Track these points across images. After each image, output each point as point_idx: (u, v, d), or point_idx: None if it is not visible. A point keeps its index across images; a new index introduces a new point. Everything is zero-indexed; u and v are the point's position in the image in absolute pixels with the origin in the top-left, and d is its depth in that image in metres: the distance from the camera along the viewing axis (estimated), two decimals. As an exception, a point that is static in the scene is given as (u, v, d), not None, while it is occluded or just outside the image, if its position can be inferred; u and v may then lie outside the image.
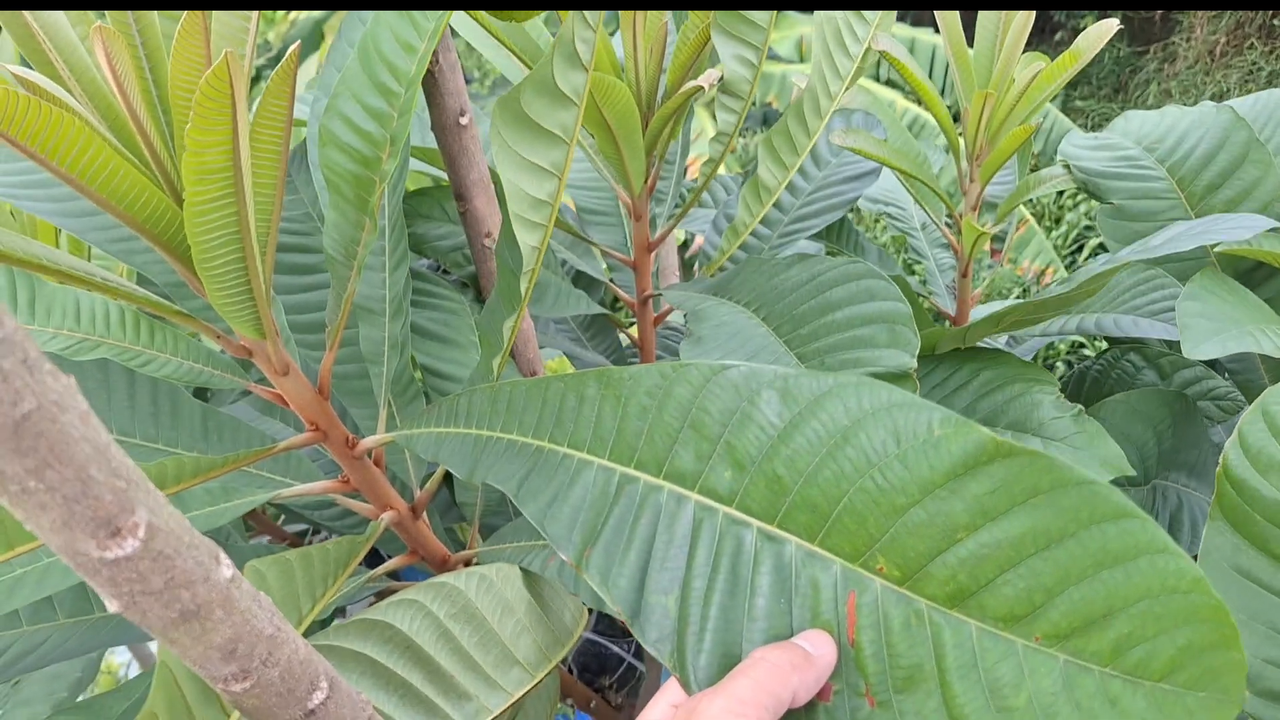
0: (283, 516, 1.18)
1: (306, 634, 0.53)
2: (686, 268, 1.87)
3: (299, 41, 0.46)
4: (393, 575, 0.72)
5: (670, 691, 0.40)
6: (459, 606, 0.56)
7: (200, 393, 1.03)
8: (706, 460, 0.41)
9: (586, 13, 0.52)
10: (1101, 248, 3.79)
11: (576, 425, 0.46)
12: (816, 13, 0.89)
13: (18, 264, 0.45)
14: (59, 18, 0.47)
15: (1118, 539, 0.34)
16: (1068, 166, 0.97)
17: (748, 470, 0.40)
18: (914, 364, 0.58)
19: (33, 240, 0.47)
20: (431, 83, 0.69)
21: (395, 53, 0.57)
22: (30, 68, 0.47)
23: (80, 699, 0.75)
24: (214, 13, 0.47)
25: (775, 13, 0.80)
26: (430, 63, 0.69)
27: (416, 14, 0.59)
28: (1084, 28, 5.02)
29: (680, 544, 0.40)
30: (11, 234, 0.46)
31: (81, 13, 0.48)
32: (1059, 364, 2.94)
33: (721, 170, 2.77)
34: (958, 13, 0.99)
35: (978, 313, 1.12)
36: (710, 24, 0.77)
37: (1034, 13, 0.97)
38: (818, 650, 0.36)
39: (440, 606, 0.55)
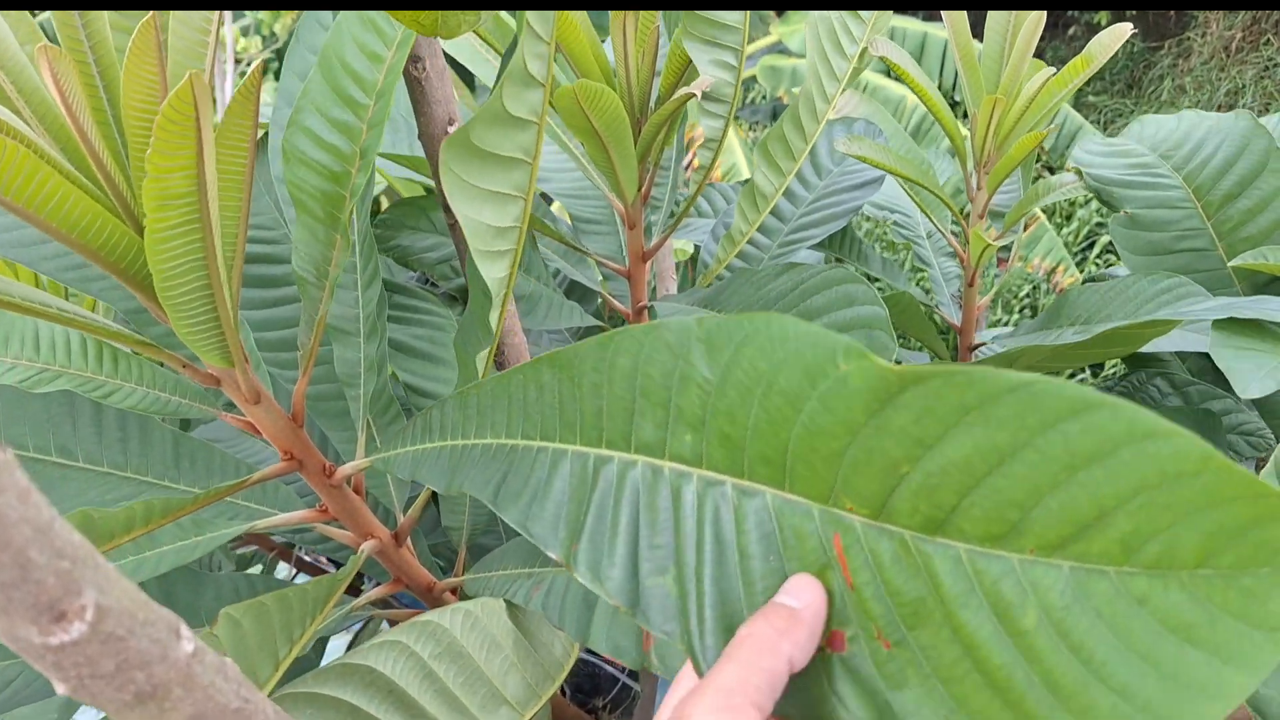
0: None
1: (285, 676, 0.51)
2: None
3: (261, 60, 0.44)
4: (393, 597, 0.69)
5: (676, 695, 0.37)
6: (444, 645, 0.53)
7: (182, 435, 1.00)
8: (666, 427, 0.38)
9: (537, 21, 0.49)
10: (1113, 244, 3.78)
11: (542, 415, 0.43)
12: (810, 13, 0.86)
13: (-33, 297, 0.43)
14: (3, 33, 0.44)
15: (1083, 436, 0.29)
16: (1080, 173, 0.95)
17: (703, 431, 0.37)
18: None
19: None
20: (419, 91, 0.66)
21: (360, 62, 0.54)
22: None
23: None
24: (170, 26, 0.44)
25: (747, 14, 0.77)
26: (416, 69, 0.67)
27: (380, 19, 0.56)
28: (1099, 23, 4.98)
29: (666, 517, 0.38)
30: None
31: (30, 30, 0.46)
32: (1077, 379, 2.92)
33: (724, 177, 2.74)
34: (965, 14, 0.96)
35: (985, 335, 1.10)
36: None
37: (1044, 14, 0.94)
38: (803, 600, 0.33)
39: (424, 647, 0.52)
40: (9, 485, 0.23)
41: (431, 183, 0.93)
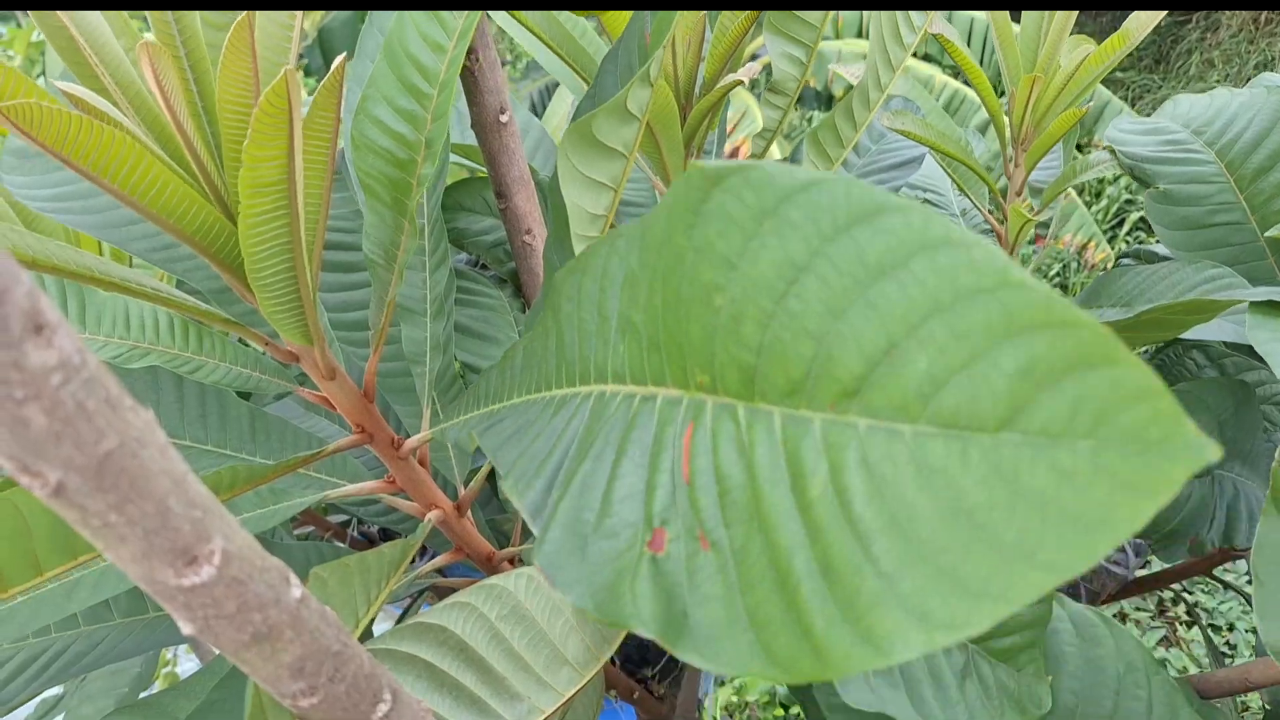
0: (325, 506, 1.19)
1: (362, 636, 0.54)
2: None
3: (344, 55, 0.47)
4: (440, 572, 0.72)
5: None
6: (509, 608, 0.56)
7: (243, 394, 1.04)
8: (607, 341, 0.36)
9: (666, 28, 0.51)
10: (1143, 222, 3.74)
11: (545, 360, 0.43)
12: (876, 12, 0.88)
13: (71, 276, 0.46)
14: (104, 31, 0.47)
15: (873, 242, 0.24)
16: (1113, 151, 0.96)
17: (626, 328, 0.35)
18: None
19: (83, 251, 0.47)
20: (471, 80, 0.69)
21: (423, 52, 0.56)
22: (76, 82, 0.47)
23: (143, 695, 0.76)
24: (258, 22, 0.47)
25: (826, 15, 0.79)
26: (469, 60, 0.69)
27: (444, 13, 0.59)
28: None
29: (570, 432, 0.37)
30: (63, 246, 0.47)
31: (125, 25, 0.49)
32: None
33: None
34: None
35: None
36: (749, 18, 0.77)
37: (1076, -6, 0.95)
38: None
39: (491, 608, 0.55)
40: (151, 441, 0.26)
41: (480, 169, 0.96)
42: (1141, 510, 0.19)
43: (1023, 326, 0.21)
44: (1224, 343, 0.95)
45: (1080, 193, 3.84)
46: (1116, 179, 3.75)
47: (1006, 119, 0.98)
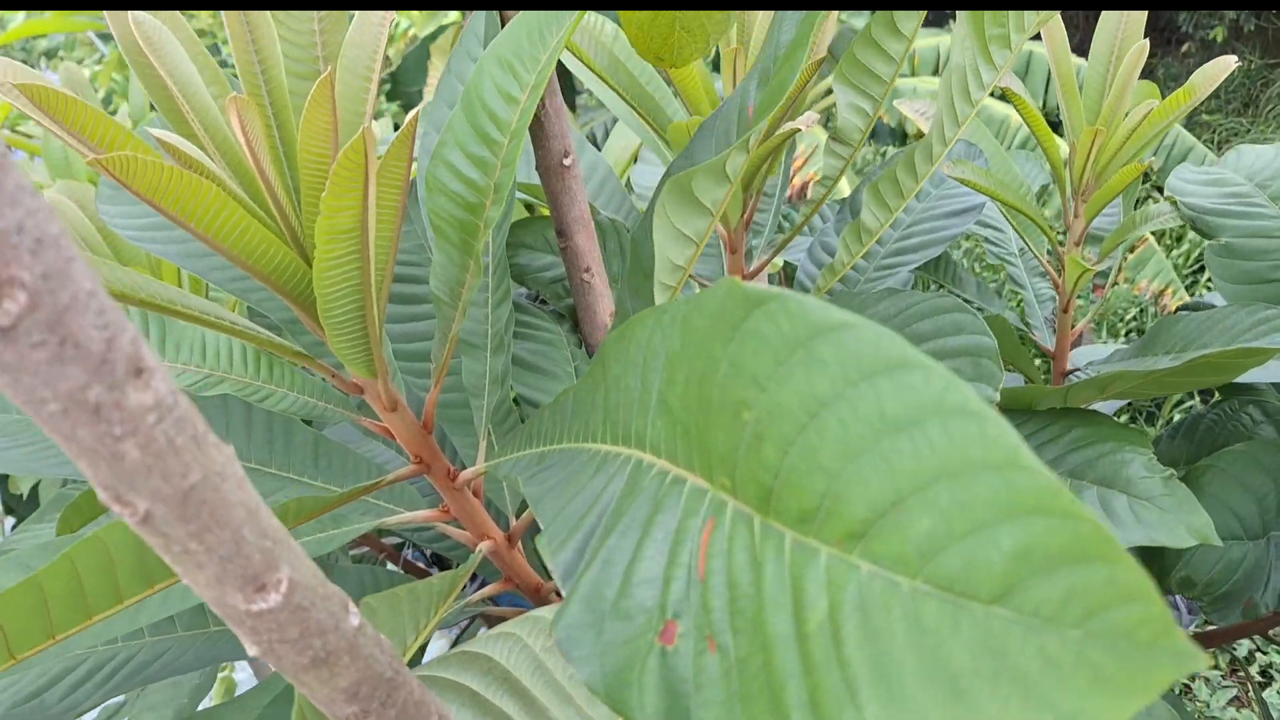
0: (381, 530, 1.22)
1: (411, 662, 0.56)
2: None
3: (418, 108, 0.49)
4: (491, 600, 0.74)
5: None
6: (553, 641, 0.58)
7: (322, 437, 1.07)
8: (645, 418, 0.37)
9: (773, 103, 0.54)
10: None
11: (591, 412, 0.44)
12: (949, 60, 0.90)
13: (156, 309, 0.49)
14: (195, 79, 0.50)
15: (893, 396, 0.25)
16: (1174, 203, 0.96)
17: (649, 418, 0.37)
18: (996, 397, 0.58)
19: (166, 284, 0.50)
20: (537, 126, 0.72)
21: (496, 102, 0.59)
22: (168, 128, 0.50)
23: (201, 707, 0.79)
24: (339, 75, 0.50)
25: (898, 67, 0.81)
26: (539, 108, 0.72)
27: (517, 64, 0.61)
28: (1214, 39, 4.83)
29: (608, 496, 0.39)
30: (150, 280, 0.50)
31: (215, 74, 0.52)
32: (1177, 414, 2.85)
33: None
34: (1064, 36, 0.98)
35: (1078, 355, 1.11)
36: (813, 66, 0.78)
37: (1147, 43, 0.96)
38: None
39: (536, 640, 0.57)
40: (231, 474, 0.28)
41: (541, 206, 0.99)
42: (1119, 708, 0.19)
43: (1025, 509, 0.22)
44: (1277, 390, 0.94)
45: (1161, 237, 3.78)
46: (1199, 225, 3.68)
47: (1067, 171, 0.98)
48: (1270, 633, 1.04)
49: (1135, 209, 1.05)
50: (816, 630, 0.25)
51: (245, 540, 0.29)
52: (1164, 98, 0.95)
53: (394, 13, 0.52)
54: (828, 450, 0.26)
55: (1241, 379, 0.86)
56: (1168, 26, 5.24)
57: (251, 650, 0.33)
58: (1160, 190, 3.85)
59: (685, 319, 0.35)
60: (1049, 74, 3.88)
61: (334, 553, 0.86)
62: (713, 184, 0.55)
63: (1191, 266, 3.68)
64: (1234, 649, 2.37)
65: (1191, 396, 2.79)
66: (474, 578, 1.10)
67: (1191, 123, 4.97)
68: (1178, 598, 1.41)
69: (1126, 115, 0.95)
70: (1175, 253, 3.67)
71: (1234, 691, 2.31)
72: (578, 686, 0.58)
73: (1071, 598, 0.21)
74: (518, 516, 0.73)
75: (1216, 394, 1.03)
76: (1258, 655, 2.35)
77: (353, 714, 0.36)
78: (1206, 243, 0.94)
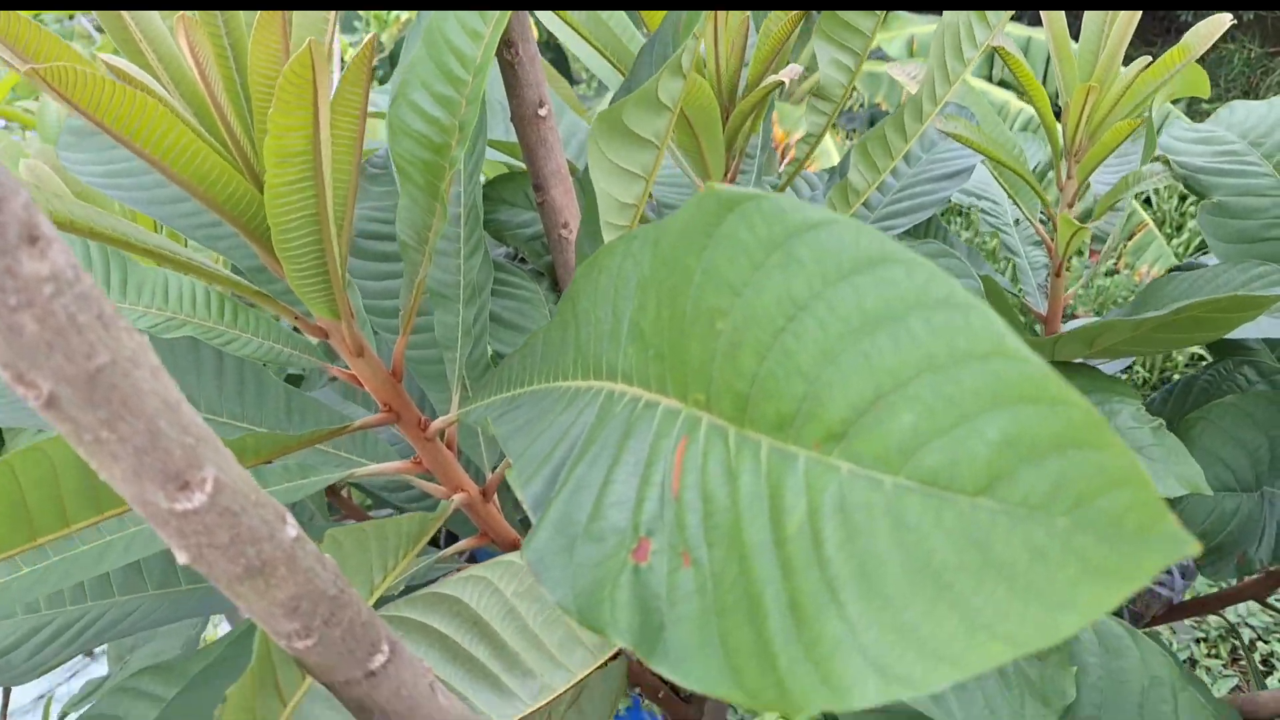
0: (369, 502, 1.21)
1: (377, 605, 0.55)
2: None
3: (374, 32, 0.48)
4: (467, 557, 0.73)
5: None
6: (526, 585, 0.57)
7: (294, 380, 1.06)
8: (617, 345, 0.37)
9: (688, 19, 0.52)
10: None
11: (561, 350, 0.44)
12: (943, 16, 0.88)
13: (110, 241, 0.48)
14: (151, 16, 0.49)
15: (873, 292, 0.25)
16: (1167, 162, 0.94)
17: (639, 344, 0.35)
18: None
19: (124, 219, 0.49)
20: (511, 75, 0.70)
21: (461, 40, 0.58)
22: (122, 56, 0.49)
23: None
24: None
25: (880, 17, 0.80)
26: (510, 54, 0.71)
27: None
28: None
29: (580, 426, 0.38)
30: (101, 213, 0.49)
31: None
32: (1176, 376, 2.84)
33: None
34: (1062, 13, 0.97)
35: (1072, 324, 1.10)
36: (794, 20, 0.77)
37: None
38: None
39: (508, 584, 0.56)
40: (144, 362, 0.27)
41: (520, 166, 0.98)
42: (1108, 597, 0.19)
43: (1012, 398, 0.22)
44: (1278, 357, 0.92)
45: (1161, 225, 3.76)
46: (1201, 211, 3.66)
47: (1060, 131, 0.97)
48: (1268, 599, 1.02)
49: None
50: (795, 534, 0.25)
51: (163, 433, 0.28)
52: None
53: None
54: (806, 353, 0.26)
55: (1234, 337, 0.85)
56: (1167, 15, 5.22)
57: (181, 557, 0.32)
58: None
59: (656, 240, 0.35)
60: (1048, 59, 3.87)
61: (313, 514, 0.85)
62: (648, 114, 0.53)
63: (1191, 254, 3.66)
64: (1236, 639, 2.36)
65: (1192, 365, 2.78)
66: (452, 540, 1.09)
67: (1191, 111, 4.95)
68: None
69: (1118, 74, 0.94)
70: (1175, 241, 3.65)
71: (1235, 680, 2.29)
72: (551, 632, 0.57)
73: (1060, 486, 0.21)
74: (493, 470, 0.72)
75: (1210, 355, 1.02)
76: (1258, 645, 2.33)
77: (294, 630, 0.35)
78: (1199, 203, 0.93)
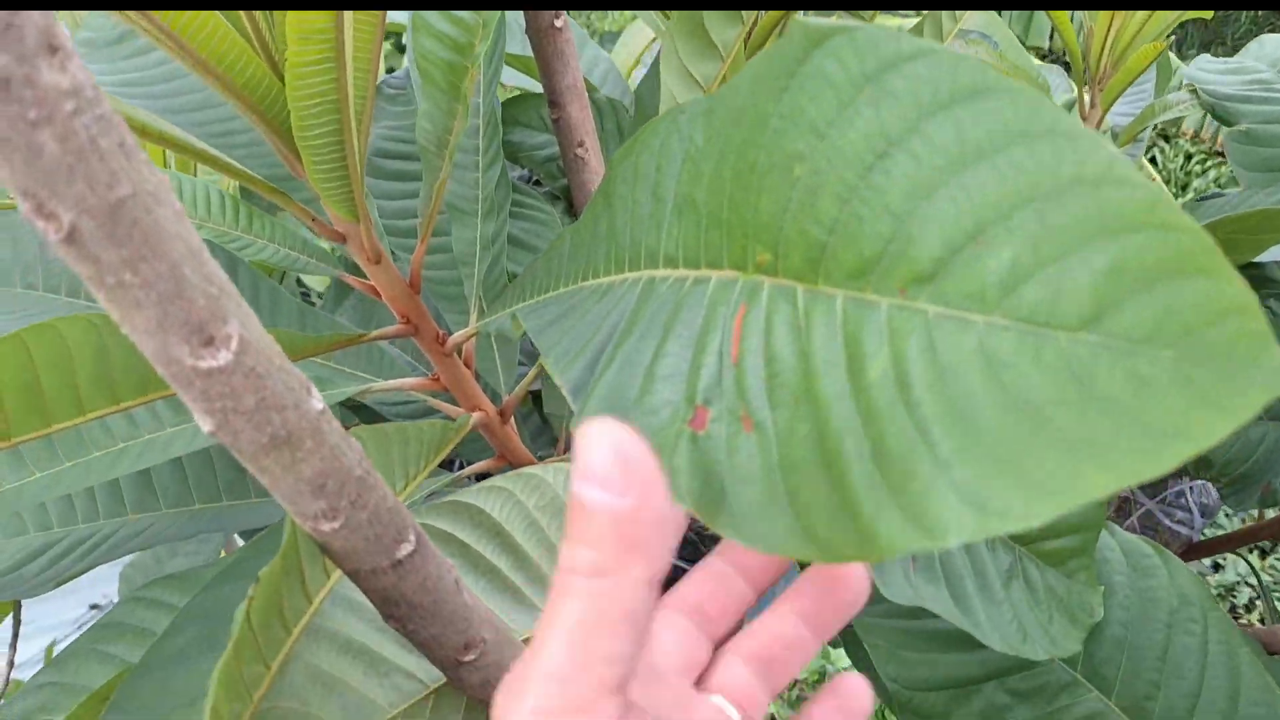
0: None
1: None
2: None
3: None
4: (480, 479, 0.72)
5: None
6: (547, 499, 0.56)
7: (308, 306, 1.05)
8: (661, 227, 0.35)
9: None
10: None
11: (593, 250, 0.42)
12: None
13: (133, 128, 0.46)
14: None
15: (975, 124, 0.23)
16: (1194, 91, 0.92)
17: (666, 213, 0.35)
18: None
19: (134, 107, 0.48)
20: (527, -17, 0.68)
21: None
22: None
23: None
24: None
25: None
26: (527, -37, 0.69)
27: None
28: None
29: (618, 312, 0.37)
30: (125, 102, 0.47)
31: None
32: None
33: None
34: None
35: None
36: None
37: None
38: (618, 491, 0.24)
39: (529, 497, 0.55)
40: (166, 201, 0.26)
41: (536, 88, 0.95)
42: (1216, 427, 0.18)
43: (1121, 226, 0.21)
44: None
45: (1168, 183, 3.72)
46: (1205, 171, 3.63)
47: (1084, 60, 0.94)
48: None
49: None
50: (878, 380, 0.24)
51: (187, 280, 0.27)
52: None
53: None
54: (896, 190, 0.25)
55: (1262, 261, 0.83)
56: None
57: (205, 424, 0.30)
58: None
59: (709, 110, 0.33)
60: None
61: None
62: (726, 22, 0.52)
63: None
64: (1234, 597, 2.37)
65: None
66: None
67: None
68: (1192, 501, 1.38)
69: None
70: (1181, 200, 3.62)
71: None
72: (571, 549, 0.56)
73: (1167, 316, 0.20)
74: (509, 393, 0.71)
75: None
76: (1256, 604, 2.34)
77: (321, 510, 0.34)
78: (1226, 131, 0.91)
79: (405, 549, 0.37)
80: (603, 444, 0.24)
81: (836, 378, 0.25)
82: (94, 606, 1.92)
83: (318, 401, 0.32)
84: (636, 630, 0.25)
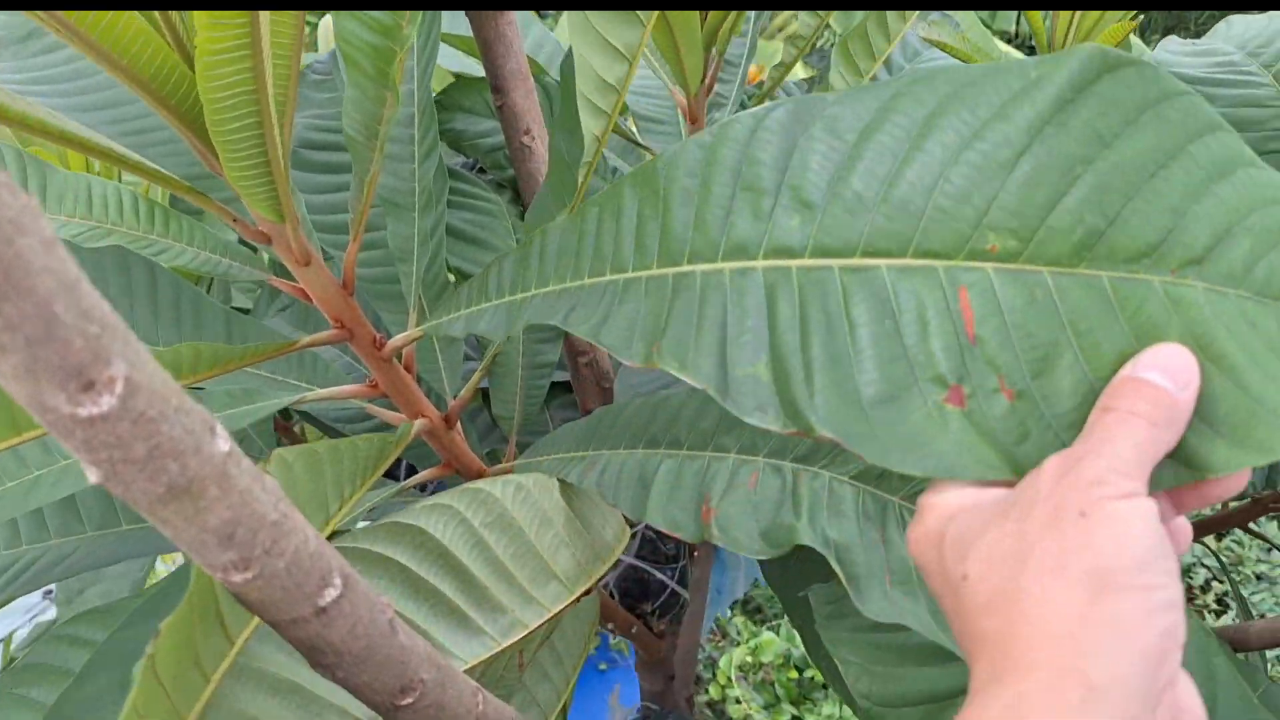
0: (324, 438, 1.16)
1: (331, 539, 0.50)
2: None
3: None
4: (425, 490, 0.68)
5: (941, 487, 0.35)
6: (495, 515, 0.52)
7: (244, 312, 1.00)
8: (768, 217, 0.38)
9: None
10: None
11: (618, 245, 0.43)
12: None
13: (19, 124, 0.42)
14: None
15: (1219, 150, 0.32)
16: None
17: (818, 206, 0.37)
18: None
19: (32, 102, 0.43)
20: (466, -38, 0.64)
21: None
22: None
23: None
24: None
25: None
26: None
27: None
28: None
29: (756, 313, 0.38)
30: (13, 96, 0.43)
31: None
32: None
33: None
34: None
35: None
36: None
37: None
38: (1180, 383, 0.31)
39: (475, 514, 0.51)
40: (30, 228, 0.22)
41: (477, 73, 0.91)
42: None
43: None
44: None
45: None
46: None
47: (1049, 44, 0.92)
48: (1250, 524, 1.01)
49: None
50: (1180, 338, 0.32)
51: (59, 319, 0.23)
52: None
53: None
54: (1174, 193, 0.32)
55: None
56: None
57: (91, 475, 0.27)
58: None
59: (909, 120, 0.36)
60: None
61: (261, 448, 0.80)
62: None
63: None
64: (1190, 578, 2.40)
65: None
66: (413, 473, 1.05)
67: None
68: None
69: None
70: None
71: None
72: (522, 565, 0.53)
73: None
74: (455, 396, 0.67)
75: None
76: (1213, 584, 2.36)
77: (230, 562, 0.30)
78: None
79: (330, 594, 0.34)
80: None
81: (1122, 344, 0.32)
82: (47, 593, 1.87)
83: (223, 442, 0.29)
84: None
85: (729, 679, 1.96)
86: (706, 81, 0.79)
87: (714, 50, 0.78)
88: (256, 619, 0.42)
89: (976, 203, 0.34)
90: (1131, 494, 0.30)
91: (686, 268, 0.40)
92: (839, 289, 0.36)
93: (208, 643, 0.38)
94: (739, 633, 2.04)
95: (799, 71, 2.22)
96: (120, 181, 0.63)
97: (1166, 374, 0.31)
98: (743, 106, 0.92)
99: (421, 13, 0.50)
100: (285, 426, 1.07)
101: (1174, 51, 0.91)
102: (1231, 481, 0.33)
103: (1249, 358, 0.31)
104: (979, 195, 0.34)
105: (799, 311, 0.37)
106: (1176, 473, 0.32)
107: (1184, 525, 0.34)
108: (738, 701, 1.89)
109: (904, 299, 0.35)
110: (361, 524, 0.62)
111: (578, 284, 0.44)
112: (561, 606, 0.54)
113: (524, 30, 0.93)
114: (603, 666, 1.57)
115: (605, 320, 0.41)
